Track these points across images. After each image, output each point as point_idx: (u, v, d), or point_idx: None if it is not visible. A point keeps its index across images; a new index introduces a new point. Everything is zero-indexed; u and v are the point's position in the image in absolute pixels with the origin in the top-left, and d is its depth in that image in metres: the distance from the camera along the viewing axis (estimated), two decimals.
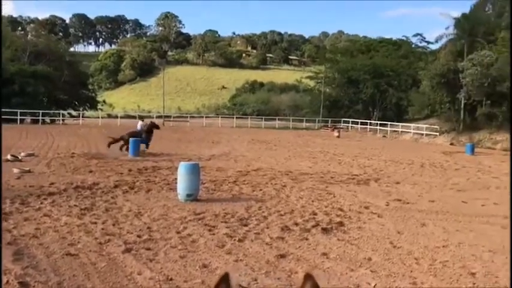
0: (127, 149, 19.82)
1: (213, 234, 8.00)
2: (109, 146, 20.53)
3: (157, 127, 22.76)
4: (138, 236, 7.71)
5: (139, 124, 22.98)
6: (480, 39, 41.28)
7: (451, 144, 36.84)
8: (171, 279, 5.95)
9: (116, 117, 56.81)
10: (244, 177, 14.92)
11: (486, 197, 12.81)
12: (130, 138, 19.92)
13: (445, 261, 7.02)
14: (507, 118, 36.13)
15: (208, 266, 6.44)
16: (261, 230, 8.40)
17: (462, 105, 40.71)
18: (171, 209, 9.85)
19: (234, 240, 7.67)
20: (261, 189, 12.70)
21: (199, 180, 11.32)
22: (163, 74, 67.36)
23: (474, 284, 6.17)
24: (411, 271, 6.55)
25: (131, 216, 9.08)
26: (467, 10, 48.07)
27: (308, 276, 1.32)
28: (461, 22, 43.42)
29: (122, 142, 20.37)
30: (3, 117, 35.95)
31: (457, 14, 47.84)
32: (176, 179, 11.40)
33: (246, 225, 8.66)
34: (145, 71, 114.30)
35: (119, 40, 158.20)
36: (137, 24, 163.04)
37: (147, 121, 24.14)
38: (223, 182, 13.71)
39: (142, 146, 20.62)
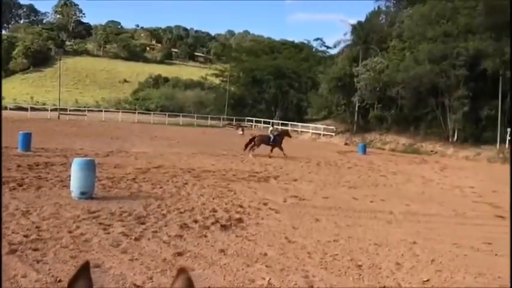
0: (252, 149, 23.03)
1: (108, 233, 7.71)
2: (245, 147, 23.22)
3: (289, 135, 25.63)
4: (25, 236, 7.19)
5: (269, 130, 26.17)
6: (374, 46, 44.32)
7: (346, 144, 39.14)
8: (59, 281, 5.63)
9: (6, 108, 52.32)
10: (144, 174, 14.57)
11: (374, 194, 13.79)
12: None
13: (335, 254, 7.43)
14: (395, 121, 39.24)
15: (101, 265, 6.18)
16: (159, 228, 8.27)
17: (356, 108, 43.48)
18: (63, 207, 9.32)
19: (130, 238, 7.46)
20: (161, 187, 12.49)
21: (94, 177, 10.83)
22: (59, 64, 63.27)
23: (360, 275, 6.60)
24: (304, 265, 6.84)
25: (18, 215, 8.45)
26: (363, 18, 51.35)
27: (181, 271, 1.31)
28: (357, 29, 46.31)
29: (252, 143, 23.28)
30: None
31: (354, 21, 50.86)
32: (70, 175, 10.81)
33: (143, 224, 8.46)
34: (40, 60, 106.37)
35: (10, 26, 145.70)
36: (32, 10, 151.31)
37: (279, 128, 28.26)
38: (122, 179, 13.26)
39: (267, 149, 23.29)
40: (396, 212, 11.13)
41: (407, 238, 8.68)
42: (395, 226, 9.73)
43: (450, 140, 33.38)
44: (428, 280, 6.53)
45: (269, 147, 23.31)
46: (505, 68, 29.98)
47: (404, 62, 36.37)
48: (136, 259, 6.56)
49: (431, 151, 33.04)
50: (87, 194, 10.28)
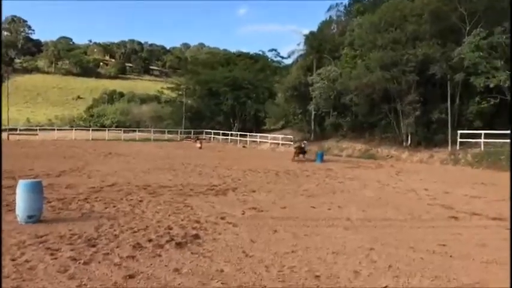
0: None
1: (55, 258, 7.31)
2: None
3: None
4: None
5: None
6: (327, 55, 45.09)
7: None
8: None
9: None
10: (97, 193, 14.07)
11: (332, 201, 13.83)
12: None
13: (293, 266, 7.32)
14: (351, 127, 39.91)
15: None
16: (111, 249, 7.92)
17: (312, 116, 43.96)
18: (8, 233, 8.80)
19: (79, 263, 7.09)
20: (114, 206, 12.07)
21: (42, 199, 10.32)
22: (7, 82, 60.93)
23: (318, 286, 6.51)
24: (261, 279, 6.69)
25: None
26: (316, 28, 52.31)
27: None
28: (310, 39, 47.05)
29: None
30: None
31: (307, 31, 51.94)
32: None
33: (94, 246, 8.09)
34: None
35: None
36: None
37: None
38: (73, 199, 12.75)
39: None
40: (353, 219, 11.19)
41: (364, 244, 8.70)
42: (352, 233, 9.75)
43: (404, 144, 34.18)
44: (386, 287, 6.52)
45: None
46: (452, 73, 31.14)
47: (357, 70, 37.05)
48: (84, 284, 6.24)
49: (387, 156, 33.72)
50: (34, 218, 9.79)
